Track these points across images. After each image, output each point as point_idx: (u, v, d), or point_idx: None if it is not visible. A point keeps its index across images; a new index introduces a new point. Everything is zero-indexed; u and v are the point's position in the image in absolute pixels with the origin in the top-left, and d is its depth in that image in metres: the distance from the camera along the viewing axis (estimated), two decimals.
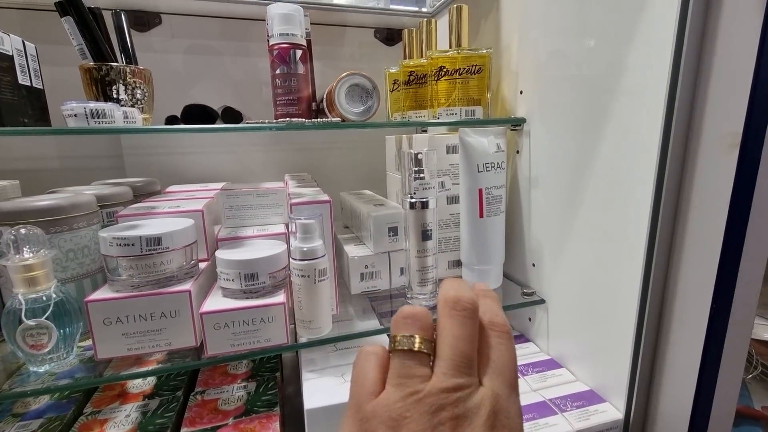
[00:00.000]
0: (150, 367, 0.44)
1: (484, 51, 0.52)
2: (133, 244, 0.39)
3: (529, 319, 0.56)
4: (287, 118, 0.50)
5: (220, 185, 0.69)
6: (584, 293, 0.45)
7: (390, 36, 0.86)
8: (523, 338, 0.56)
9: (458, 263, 0.58)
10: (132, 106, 0.54)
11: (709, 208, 0.33)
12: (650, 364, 0.39)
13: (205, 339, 0.40)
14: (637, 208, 0.37)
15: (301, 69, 0.52)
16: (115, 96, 0.53)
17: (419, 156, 0.47)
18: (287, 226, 0.52)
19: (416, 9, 0.82)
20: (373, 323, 0.53)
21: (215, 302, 0.41)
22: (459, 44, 0.54)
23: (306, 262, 0.41)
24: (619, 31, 0.37)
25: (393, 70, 0.63)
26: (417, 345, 0.19)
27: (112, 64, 0.52)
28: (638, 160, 0.36)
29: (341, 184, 0.83)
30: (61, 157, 0.73)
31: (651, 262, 0.36)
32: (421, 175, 0.47)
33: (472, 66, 0.52)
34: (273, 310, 0.41)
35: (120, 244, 0.39)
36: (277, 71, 0.51)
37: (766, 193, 0.31)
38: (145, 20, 0.72)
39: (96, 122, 0.39)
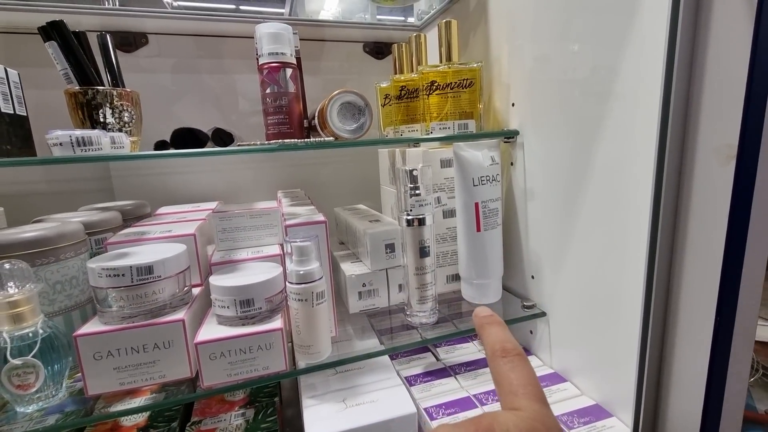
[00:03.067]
0: (143, 398, 0.42)
1: (475, 65, 0.52)
2: (123, 275, 0.38)
3: (531, 332, 0.55)
4: (279, 140, 0.49)
5: (212, 205, 0.68)
6: (586, 305, 0.45)
7: (379, 49, 0.86)
8: (525, 352, 0.56)
9: (457, 277, 0.57)
10: (120, 129, 0.53)
11: (708, 218, 0.33)
12: (656, 375, 0.39)
13: (200, 370, 0.39)
14: (636, 217, 0.36)
15: (291, 88, 0.51)
16: (102, 120, 0.52)
17: (414, 172, 0.46)
18: (282, 246, 0.51)
19: (403, 21, 0.82)
20: (373, 342, 0.52)
21: (210, 331, 0.40)
22: (449, 58, 0.54)
23: (303, 285, 0.40)
24: (609, 41, 0.37)
25: (384, 85, 0.63)
26: None
27: (98, 87, 0.51)
28: (634, 169, 0.36)
29: (335, 199, 0.83)
30: (48, 181, 0.72)
31: (653, 273, 0.36)
32: (417, 191, 0.46)
33: (463, 80, 0.52)
34: (271, 336, 0.40)
35: (109, 275, 0.38)
36: (268, 90, 0.51)
37: (763, 202, 0.31)
38: (131, 40, 0.71)
39: (82, 150, 0.38)
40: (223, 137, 0.49)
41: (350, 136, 0.47)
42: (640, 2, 0.34)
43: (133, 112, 0.55)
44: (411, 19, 0.91)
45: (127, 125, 0.54)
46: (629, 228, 0.37)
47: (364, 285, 0.53)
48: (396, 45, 0.63)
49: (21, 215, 0.57)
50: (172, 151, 0.43)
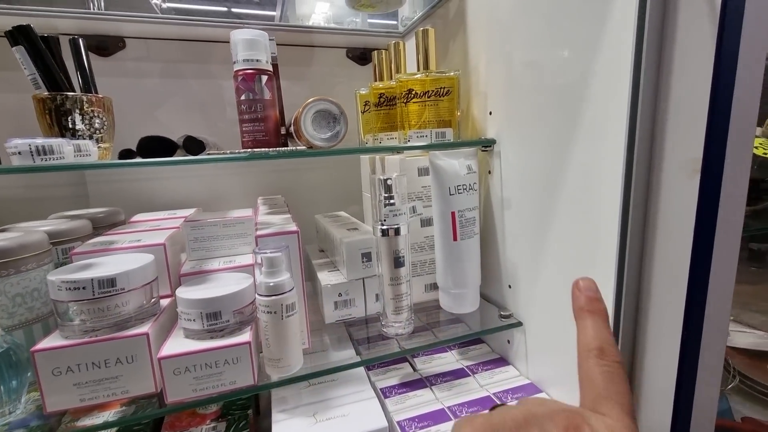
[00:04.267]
0: (112, 411, 0.41)
1: (452, 73, 0.52)
2: (84, 288, 0.37)
3: (508, 342, 0.55)
4: (254, 147, 0.48)
5: (190, 212, 0.67)
6: (559, 315, 0.45)
7: (363, 55, 0.86)
8: (502, 361, 0.55)
9: (435, 286, 0.57)
10: (90, 136, 0.52)
11: (676, 231, 0.32)
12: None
13: (164, 385, 0.37)
14: (605, 230, 0.36)
15: (267, 94, 0.51)
16: (71, 126, 0.50)
17: (389, 182, 0.46)
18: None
19: (387, 28, 0.82)
20: (349, 353, 0.51)
21: (175, 345, 0.39)
22: (427, 66, 0.54)
23: (272, 297, 0.39)
24: (579, 53, 0.37)
25: (363, 92, 0.62)
26: None
27: (68, 93, 0.50)
28: (603, 182, 0.36)
29: (317, 205, 0.82)
30: (22, 187, 0.70)
31: (622, 286, 0.36)
32: (392, 201, 0.46)
33: (441, 88, 0.52)
34: (238, 350, 0.39)
35: (69, 288, 0.37)
36: (243, 97, 0.50)
37: (729, 216, 0.31)
38: (107, 44, 0.70)
39: (43, 159, 0.37)
40: (194, 145, 0.48)
41: (324, 145, 0.47)
42: (609, 20, 0.34)
43: (104, 119, 0.54)
44: (394, 22, 0.91)
45: (98, 132, 0.53)
46: (599, 240, 0.37)
47: (340, 294, 0.53)
48: (376, 52, 0.63)
49: None
50: (138, 160, 0.42)
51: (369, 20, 0.95)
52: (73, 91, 0.52)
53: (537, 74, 0.44)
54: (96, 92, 0.55)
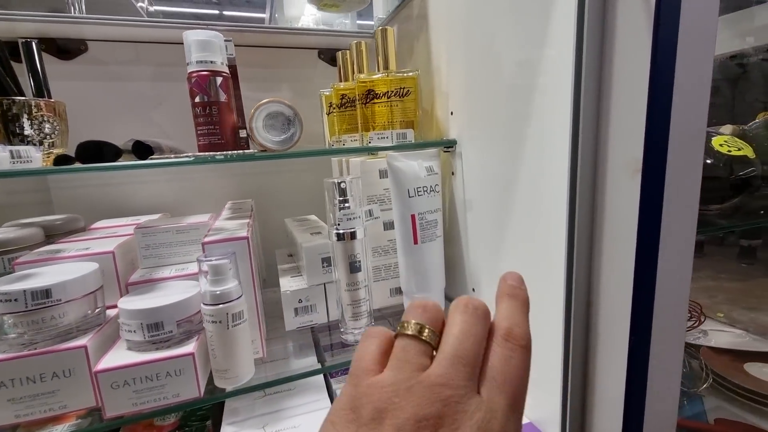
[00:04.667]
0: (67, 425, 0.40)
1: (412, 73, 0.51)
2: (16, 299, 0.35)
3: None
4: (210, 151, 0.47)
5: (156, 217, 0.66)
6: None
7: (335, 57, 0.85)
8: None
9: (399, 290, 0.56)
10: (40, 141, 0.50)
11: (621, 233, 0.31)
12: (581, 394, 0.37)
13: (102, 400, 0.36)
14: (555, 233, 0.35)
15: (222, 97, 0.49)
16: (19, 131, 0.49)
17: (342, 185, 0.44)
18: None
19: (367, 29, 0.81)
20: (310, 361, 0.50)
21: (115, 357, 0.37)
22: (387, 66, 0.53)
23: (217, 306, 0.38)
24: (528, 53, 0.36)
25: (327, 93, 0.61)
26: (423, 334, 0.19)
27: (15, 98, 0.49)
28: (552, 182, 0.35)
29: (289, 209, 0.81)
30: None
31: (571, 288, 0.35)
32: (346, 204, 0.45)
33: (401, 89, 0.51)
34: (180, 362, 0.37)
35: (2, 300, 0.35)
36: (197, 100, 0.48)
37: (677, 216, 0.30)
38: (69, 48, 0.69)
39: None
40: (142, 149, 0.47)
41: (277, 148, 0.46)
42: (552, 17, 0.33)
43: (56, 123, 0.52)
44: (370, 22, 0.90)
45: (48, 137, 0.51)
46: (550, 244, 0.36)
47: (300, 301, 0.51)
48: (340, 53, 0.62)
49: None
50: (73, 166, 0.41)
51: (358, 21, 0.94)
52: (23, 95, 0.51)
53: (491, 74, 0.43)
54: (49, 96, 0.53)
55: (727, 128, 0.64)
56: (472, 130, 0.48)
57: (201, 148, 0.50)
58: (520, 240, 0.42)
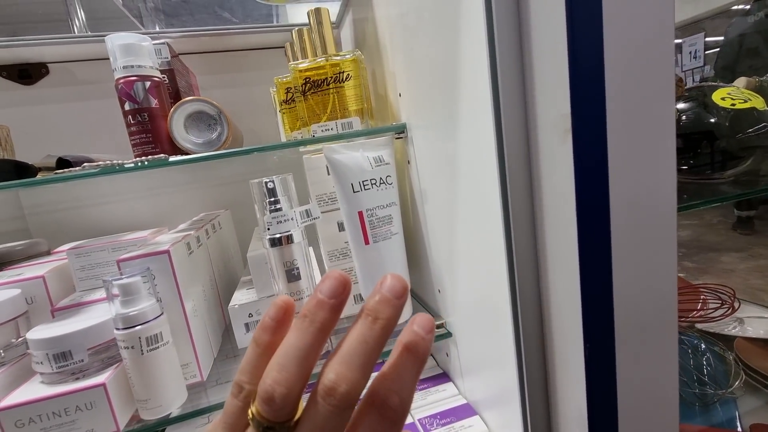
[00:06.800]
0: None
1: (349, 56, 0.46)
2: None
3: (447, 355, 0.47)
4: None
5: (132, 235, 0.64)
6: (479, 322, 0.37)
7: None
8: (444, 377, 0.48)
9: (362, 297, 0.50)
10: None
11: (559, 210, 0.25)
12: (544, 403, 0.31)
13: None
14: (494, 219, 0.29)
15: (153, 102, 0.46)
16: None
17: (269, 185, 0.40)
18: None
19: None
20: None
21: (24, 392, 0.34)
22: (325, 51, 0.48)
23: (127, 330, 0.34)
24: (448, 26, 0.30)
25: (273, 89, 0.57)
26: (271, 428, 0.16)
27: None
28: (485, 160, 0.29)
29: None
30: None
31: (515, 281, 0.28)
32: (277, 206, 0.40)
33: (340, 73, 0.46)
34: (89, 394, 0.34)
35: None
36: (126, 107, 0.46)
37: (621, 189, 0.23)
38: (30, 73, 0.68)
39: None
40: (63, 165, 0.44)
41: (198, 150, 0.42)
42: None
43: None
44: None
45: None
46: (491, 233, 0.30)
47: (250, 315, 0.47)
48: (288, 44, 0.58)
49: None
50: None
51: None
52: None
53: (424, 45, 0.37)
54: None
55: (741, 81, 0.54)
56: (418, 112, 0.43)
57: (137, 156, 0.47)
58: (469, 234, 0.35)
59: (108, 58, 0.69)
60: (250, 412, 0.16)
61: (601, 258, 0.24)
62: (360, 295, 0.51)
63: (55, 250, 0.61)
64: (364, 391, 0.16)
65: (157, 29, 1.03)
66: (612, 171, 0.23)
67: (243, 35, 0.72)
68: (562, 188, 0.24)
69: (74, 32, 1.11)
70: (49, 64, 0.69)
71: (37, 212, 0.71)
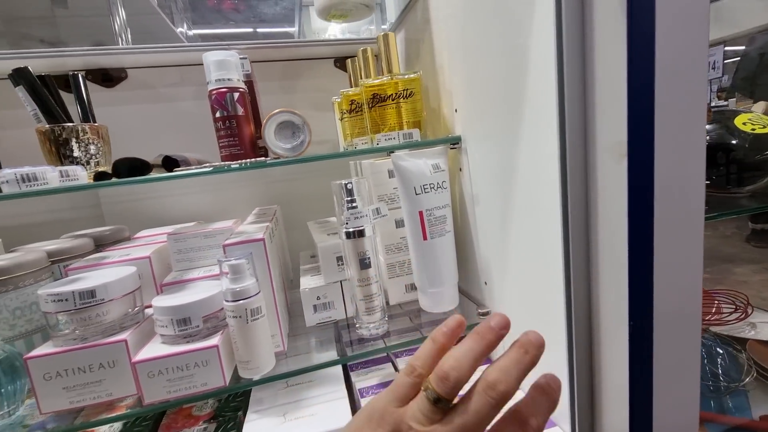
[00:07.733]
0: (117, 414, 0.44)
1: (414, 75, 0.53)
2: (66, 299, 0.40)
3: None
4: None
5: (191, 225, 0.71)
6: (529, 312, 0.44)
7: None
8: (486, 361, 0.54)
9: (415, 287, 0.57)
10: (87, 161, 0.57)
11: (613, 219, 0.31)
12: (588, 383, 0.37)
13: (140, 388, 0.40)
14: (552, 222, 0.36)
15: (240, 111, 0.53)
16: (69, 154, 0.56)
17: (349, 186, 0.47)
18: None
19: (367, 36, 0.84)
20: (330, 355, 0.52)
21: (150, 350, 0.42)
22: (390, 70, 0.55)
23: (237, 302, 0.41)
24: (513, 48, 0.37)
25: (338, 100, 0.64)
26: (439, 404, 0.23)
27: (65, 124, 0.55)
28: (546, 173, 0.35)
29: (312, 213, 0.84)
30: (45, 211, 0.77)
31: (570, 278, 0.35)
32: (354, 204, 0.47)
33: (404, 90, 0.53)
34: (205, 353, 0.41)
35: (55, 300, 0.40)
36: (217, 115, 0.53)
37: (663, 202, 0.29)
38: (111, 76, 0.76)
39: (27, 186, 0.42)
40: (169, 163, 0.52)
41: (287, 154, 0.49)
42: (537, 4, 0.34)
43: (100, 145, 0.58)
44: (373, 27, 0.92)
45: (94, 157, 0.58)
46: (549, 234, 0.36)
47: (318, 298, 0.54)
48: (349, 60, 0.65)
49: (19, 244, 0.62)
50: (111, 180, 0.46)
51: (383, 27, 0.97)
52: (71, 122, 0.57)
53: (486, 69, 0.44)
54: (94, 121, 0.60)
55: (760, 106, 0.60)
56: (475, 126, 0.49)
57: (223, 159, 0.54)
58: (522, 233, 0.42)
59: (181, 66, 0.77)
60: (425, 384, 0.23)
61: (645, 263, 0.30)
62: (413, 284, 0.57)
63: (135, 236, 0.69)
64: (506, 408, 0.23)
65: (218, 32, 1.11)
66: (657, 189, 0.29)
67: (296, 48, 0.79)
68: (615, 202, 0.30)
69: (115, 28, 1.20)
70: (128, 69, 0.77)
71: (111, 202, 0.79)
